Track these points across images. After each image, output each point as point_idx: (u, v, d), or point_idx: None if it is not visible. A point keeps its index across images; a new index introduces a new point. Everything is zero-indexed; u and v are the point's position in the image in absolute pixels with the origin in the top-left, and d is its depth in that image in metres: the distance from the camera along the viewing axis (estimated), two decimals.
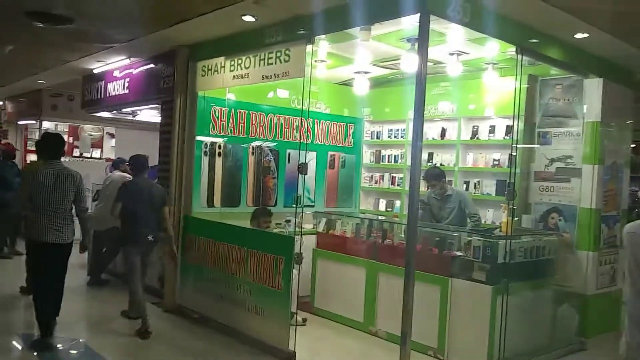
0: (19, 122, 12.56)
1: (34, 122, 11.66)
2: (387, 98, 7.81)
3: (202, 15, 5.35)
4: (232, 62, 5.94)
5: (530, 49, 5.10)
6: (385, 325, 5.62)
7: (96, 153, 12.32)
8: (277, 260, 5.14)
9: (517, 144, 5.55)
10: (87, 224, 5.40)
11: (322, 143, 7.69)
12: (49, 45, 7.17)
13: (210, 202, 6.73)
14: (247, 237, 5.68)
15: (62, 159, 5.40)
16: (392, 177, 7.91)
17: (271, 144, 7.18)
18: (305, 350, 5.03)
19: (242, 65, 5.82)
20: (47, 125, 11.50)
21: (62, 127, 12.01)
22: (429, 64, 4.14)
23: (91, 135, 12.41)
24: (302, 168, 5.14)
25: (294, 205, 5.54)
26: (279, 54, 5.33)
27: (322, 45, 5.72)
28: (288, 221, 6.42)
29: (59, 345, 5.25)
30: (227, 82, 6.09)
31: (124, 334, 5.68)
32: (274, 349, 5.05)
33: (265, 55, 5.49)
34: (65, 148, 6.24)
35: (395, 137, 7.87)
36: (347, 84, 7.65)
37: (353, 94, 7.42)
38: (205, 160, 6.66)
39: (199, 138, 6.51)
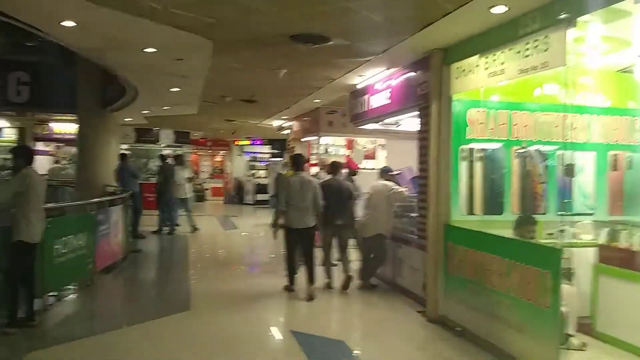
0: (302, 139, 13.98)
1: (314, 138, 12.79)
2: None
3: (448, 14, 5.12)
4: (487, 59, 5.54)
5: None
6: None
7: (370, 164, 12.96)
8: (542, 274, 4.55)
9: None
10: (320, 216, 7.38)
11: (602, 142, 6.64)
12: (314, 65, 7.77)
13: (470, 210, 6.38)
14: (509, 247, 5.18)
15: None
16: None
17: (542, 146, 6.48)
18: None
19: (497, 61, 5.38)
20: (325, 140, 12.55)
21: (340, 142, 13.01)
22: None
23: (364, 147, 13.11)
24: (569, 170, 4.50)
25: (567, 214, 4.86)
26: (536, 44, 4.77)
27: (589, 28, 4.92)
28: (562, 231, 5.68)
29: (322, 345, 5.54)
30: (482, 81, 5.71)
31: (389, 338, 5.74)
32: None
33: (521, 47, 4.98)
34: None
35: None
36: (628, 71, 6.46)
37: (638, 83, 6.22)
38: (464, 166, 6.35)
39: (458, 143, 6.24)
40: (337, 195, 7.66)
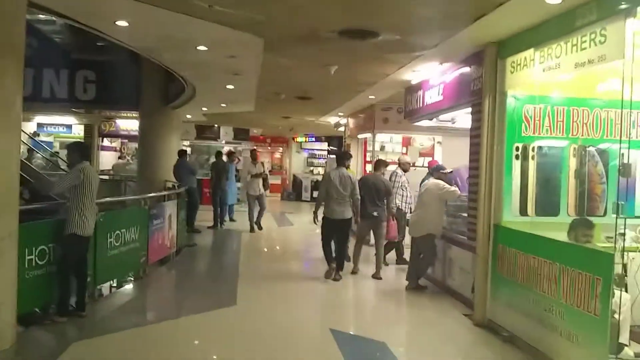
0: (359, 136, 13.89)
1: (369, 135, 12.68)
2: None
3: (501, 5, 4.91)
4: (542, 53, 5.28)
5: None
6: None
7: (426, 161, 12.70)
8: (594, 280, 4.29)
9: None
10: (356, 206, 8.01)
11: None
12: (365, 61, 7.68)
13: (523, 211, 6.10)
14: (559, 251, 4.92)
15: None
16: None
17: (602, 145, 6.12)
18: None
19: (552, 54, 5.11)
20: (380, 137, 12.42)
21: (397, 139, 12.85)
22: None
23: (421, 144, 12.88)
24: (626, 170, 4.21)
25: (624, 217, 4.56)
26: (592, 36, 4.49)
27: None
28: (622, 234, 5.34)
29: (362, 345, 5.46)
30: (536, 76, 5.45)
31: (433, 341, 5.60)
32: None
33: (577, 39, 4.71)
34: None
35: None
36: None
37: None
38: (517, 164, 6.09)
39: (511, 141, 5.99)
40: (373, 190, 8.28)
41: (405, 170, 9.43)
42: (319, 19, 5.82)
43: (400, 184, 9.20)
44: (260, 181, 12.93)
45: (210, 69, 8.59)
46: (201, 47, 7.15)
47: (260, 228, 12.86)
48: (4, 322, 4.53)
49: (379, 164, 8.90)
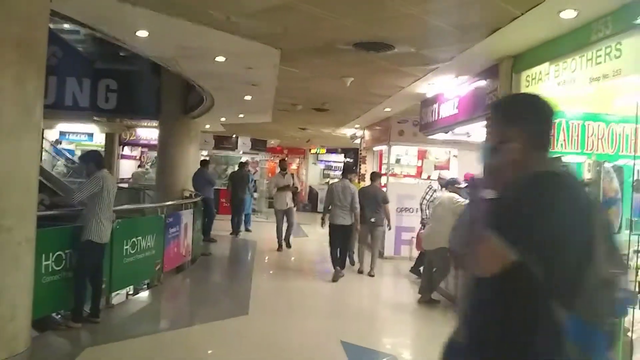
0: (374, 148, 13.89)
1: (385, 147, 12.68)
2: None
3: (516, 19, 4.93)
4: (556, 67, 5.28)
5: None
6: None
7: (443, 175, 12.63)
8: None
9: None
10: (356, 215, 8.98)
11: None
12: (380, 73, 7.71)
13: None
14: None
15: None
16: None
17: (619, 161, 6.05)
18: None
19: (567, 68, 5.11)
20: (396, 149, 12.41)
21: (413, 151, 12.83)
22: None
23: (437, 158, 12.85)
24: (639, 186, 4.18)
25: (637, 233, 4.52)
26: (608, 50, 4.49)
27: None
28: (637, 251, 5.27)
29: (371, 358, 5.42)
30: (551, 90, 5.43)
31: None
32: None
33: (592, 54, 4.71)
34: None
35: None
36: None
37: None
38: None
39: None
40: (372, 199, 9.38)
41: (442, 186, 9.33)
42: (335, 31, 5.87)
43: (431, 198, 9.10)
44: (290, 194, 11.83)
45: (228, 79, 8.70)
46: (219, 58, 7.26)
47: (288, 246, 11.99)
48: (19, 326, 4.58)
49: (375, 176, 10.02)
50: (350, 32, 5.88)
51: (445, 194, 7.72)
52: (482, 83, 6.88)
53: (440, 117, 8.58)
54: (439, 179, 9.13)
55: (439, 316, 7.09)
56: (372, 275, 9.29)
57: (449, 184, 7.86)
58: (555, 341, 1.69)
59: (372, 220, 9.34)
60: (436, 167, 12.31)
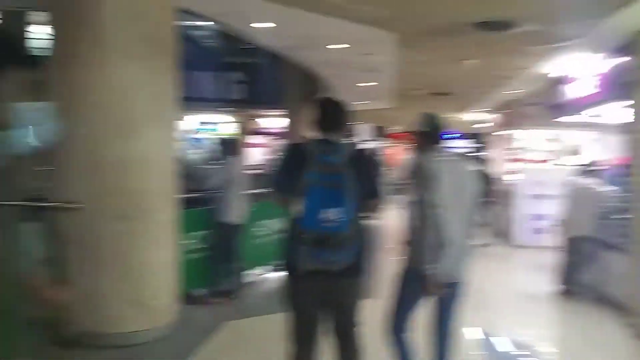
0: (500, 133, 13.39)
1: (512, 131, 12.19)
2: None
3: None
4: None
5: None
6: None
7: (575, 159, 11.89)
8: None
9: None
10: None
11: None
12: (504, 54, 7.41)
13: None
14: None
15: None
16: None
17: None
18: None
19: None
20: (524, 133, 11.87)
21: (540, 135, 12.16)
22: None
23: (569, 142, 12.06)
24: None
25: None
26: None
27: None
28: None
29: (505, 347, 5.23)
30: None
31: (585, 350, 5.17)
32: None
33: None
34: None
35: None
36: None
37: None
38: None
39: None
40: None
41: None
42: (454, 11, 5.74)
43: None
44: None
45: (346, 66, 8.82)
46: (337, 46, 7.38)
47: None
48: (164, 301, 4.96)
49: None
50: (472, 11, 5.71)
51: (583, 179, 7.20)
52: (618, 60, 6.37)
53: (570, 98, 8.07)
54: (578, 164, 8.53)
55: (577, 308, 6.56)
56: None
57: (587, 169, 7.30)
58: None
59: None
60: (569, 152, 11.57)
